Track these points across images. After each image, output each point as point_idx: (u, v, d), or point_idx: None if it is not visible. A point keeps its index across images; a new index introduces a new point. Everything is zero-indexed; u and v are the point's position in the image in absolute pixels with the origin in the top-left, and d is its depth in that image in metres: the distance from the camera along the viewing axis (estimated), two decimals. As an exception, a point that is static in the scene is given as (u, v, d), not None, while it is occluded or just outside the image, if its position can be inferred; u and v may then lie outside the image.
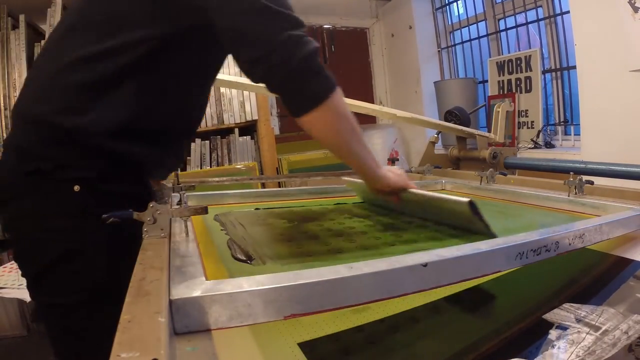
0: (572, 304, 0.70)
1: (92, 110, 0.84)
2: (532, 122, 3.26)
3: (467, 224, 0.94)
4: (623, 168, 1.54)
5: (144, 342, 0.39)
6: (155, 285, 0.52)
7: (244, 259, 0.76)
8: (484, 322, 0.68)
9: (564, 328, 0.64)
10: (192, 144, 3.08)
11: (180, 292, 0.50)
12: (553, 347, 0.60)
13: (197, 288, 0.51)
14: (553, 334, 0.63)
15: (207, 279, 0.55)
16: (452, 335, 0.63)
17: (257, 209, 1.29)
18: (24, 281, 0.91)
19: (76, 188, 0.84)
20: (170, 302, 0.48)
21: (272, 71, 0.83)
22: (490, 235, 0.88)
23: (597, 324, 0.64)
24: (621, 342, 0.59)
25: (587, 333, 0.62)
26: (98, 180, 0.86)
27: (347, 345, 0.56)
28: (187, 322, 0.49)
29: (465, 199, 0.91)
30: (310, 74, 0.86)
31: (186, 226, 0.83)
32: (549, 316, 0.67)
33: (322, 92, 0.87)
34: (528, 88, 3.27)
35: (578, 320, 0.66)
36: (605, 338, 0.61)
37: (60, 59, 0.86)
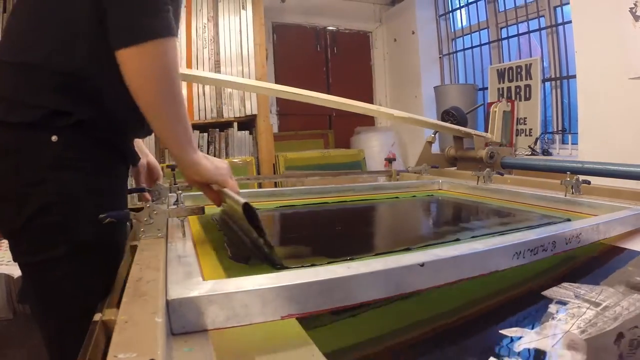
0: (570, 283, 0.71)
1: (86, 52, 0.82)
2: (530, 129, 3.28)
3: (252, 236, 0.82)
4: (619, 168, 1.54)
5: (141, 343, 0.39)
6: (152, 285, 0.52)
7: (241, 259, 0.76)
8: (481, 295, 0.69)
9: (563, 303, 0.64)
10: None
11: (177, 292, 0.50)
12: (553, 319, 0.60)
13: (194, 288, 0.51)
14: (553, 307, 0.63)
15: (204, 279, 0.55)
16: (440, 299, 0.64)
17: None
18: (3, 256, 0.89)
19: (54, 138, 0.81)
20: (167, 302, 0.48)
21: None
22: (270, 260, 0.76)
23: (597, 300, 0.65)
24: (622, 317, 0.59)
25: (588, 308, 0.62)
26: (82, 129, 0.84)
27: (345, 345, 0.56)
28: (184, 323, 0.49)
29: (242, 200, 0.76)
30: (146, 8, 0.77)
31: (183, 226, 0.83)
32: (548, 293, 0.68)
33: (152, 30, 0.77)
34: (527, 96, 3.30)
35: (577, 297, 0.66)
36: (606, 313, 0.61)
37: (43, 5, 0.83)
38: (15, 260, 0.89)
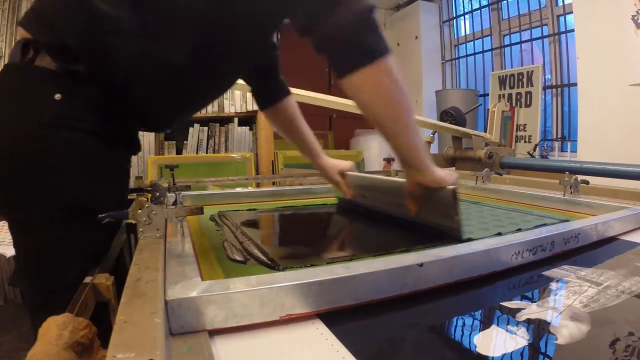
0: (571, 265, 0.71)
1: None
2: (530, 136, 3.29)
3: (442, 218, 0.89)
4: (618, 168, 1.55)
5: (140, 343, 0.39)
6: (151, 285, 0.52)
7: (240, 259, 0.76)
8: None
9: (564, 282, 0.65)
10: (190, 128, 3.07)
11: (176, 292, 0.50)
12: (555, 295, 0.60)
13: (193, 288, 0.51)
14: (554, 285, 0.63)
15: (202, 280, 0.55)
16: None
17: (252, 209, 1.29)
18: (4, 238, 0.87)
19: (57, 97, 0.79)
20: (166, 302, 0.48)
21: (330, 22, 0.77)
22: (458, 234, 0.85)
23: (598, 281, 0.65)
24: (624, 294, 0.59)
25: (589, 287, 0.62)
26: (89, 95, 0.82)
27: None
28: (183, 323, 0.49)
29: (450, 186, 0.86)
30: (368, 27, 0.78)
31: (182, 226, 0.83)
32: (548, 273, 0.68)
33: (378, 49, 0.78)
34: (528, 103, 3.31)
35: (578, 278, 0.66)
36: (608, 291, 0.61)
37: None
38: (4, 215, 0.87)
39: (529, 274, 0.70)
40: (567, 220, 0.97)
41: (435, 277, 0.62)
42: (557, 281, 0.65)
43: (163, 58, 0.83)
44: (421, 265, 0.61)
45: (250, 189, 1.64)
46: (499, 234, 0.90)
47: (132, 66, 0.83)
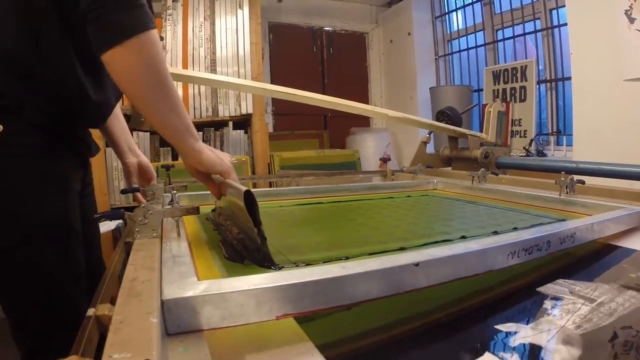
0: (565, 280, 0.71)
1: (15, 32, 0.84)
2: (525, 131, 3.29)
3: (246, 227, 0.79)
4: (614, 168, 1.55)
5: (136, 343, 0.39)
6: (147, 285, 0.52)
7: (236, 259, 0.76)
8: (475, 290, 0.69)
9: (558, 299, 0.64)
10: None
11: (172, 292, 0.50)
12: (548, 314, 0.60)
13: (189, 288, 0.51)
14: (548, 303, 0.63)
15: (199, 279, 0.55)
16: (441, 295, 0.65)
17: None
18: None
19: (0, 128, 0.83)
20: (162, 302, 0.48)
21: None
22: (262, 250, 0.74)
23: (592, 297, 0.65)
24: (618, 312, 0.60)
25: (583, 304, 0.62)
26: (24, 114, 0.85)
27: (342, 345, 0.56)
28: (179, 323, 0.49)
29: (244, 187, 0.75)
30: (119, 4, 0.76)
31: (178, 226, 0.83)
32: (543, 289, 0.68)
33: (130, 27, 0.76)
34: (522, 97, 3.31)
35: (572, 293, 0.66)
36: (602, 309, 0.61)
37: None
38: None
39: (524, 291, 0.70)
40: (564, 220, 0.97)
41: (431, 277, 0.62)
42: (551, 298, 0.65)
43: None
44: (417, 264, 0.61)
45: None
46: (495, 232, 0.90)
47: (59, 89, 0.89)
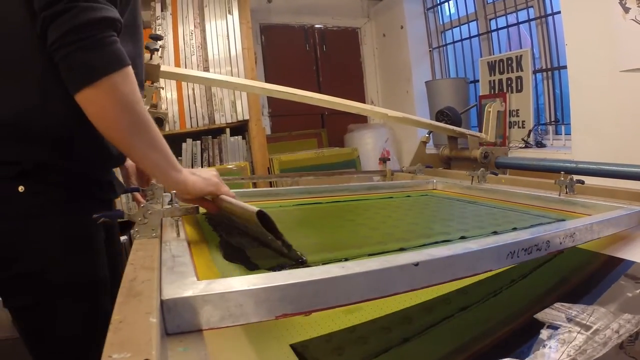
0: (563, 304, 0.71)
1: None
2: (523, 121, 3.28)
3: (266, 239, 0.82)
4: (613, 167, 1.55)
5: (136, 343, 0.39)
6: (147, 285, 0.52)
7: (236, 259, 0.76)
8: (476, 322, 0.68)
9: (555, 328, 0.64)
10: (183, 144, 3.06)
11: (172, 292, 0.50)
12: (544, 346, 0.60)
13: (188, 288, 0.51)
14: (544, 333, 0.63)
15: (198, 279, 0.55)
16: (443, 335, 0.64)
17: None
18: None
19: (20, 189, 0.80)
20: (162, 302, 0.48)
21: (53, 31, 0.72)
22: (290, 257, 0.75)
23: (588, 323, 0.65)
24: (612, 341, 0.60)
25: (578, 332, 0.63)
26: (46, 173, 0.83)
27: (339, 346, 0.56)
28: (179, 323, 0.49)
29: (255, 208, 0.77)
30: (87, 44, 0.73)
31: (177, 226, 0.83)
32: (540, 316, 0.68)
33: (100, 67, 0.73)
34: (519, 88, 3.29)
35: (569, 320, 0.66)
36: (596, 337, 0.61)
37: None
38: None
39: (521, 320, 0.69)
40: (563, 220, 0.97)
41: (430, 277, 0.62)
42: (548, 327, 0.65)
43: None
44: (417, 264, 0.61)
45: (245, 190, 1.64)
46: (495, 232, 0.90)
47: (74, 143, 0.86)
